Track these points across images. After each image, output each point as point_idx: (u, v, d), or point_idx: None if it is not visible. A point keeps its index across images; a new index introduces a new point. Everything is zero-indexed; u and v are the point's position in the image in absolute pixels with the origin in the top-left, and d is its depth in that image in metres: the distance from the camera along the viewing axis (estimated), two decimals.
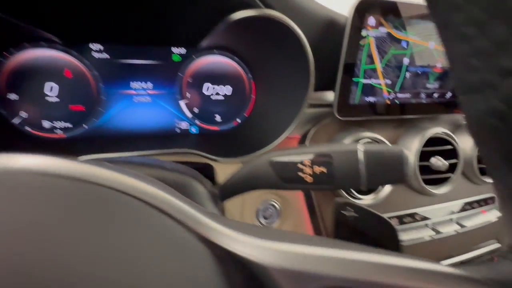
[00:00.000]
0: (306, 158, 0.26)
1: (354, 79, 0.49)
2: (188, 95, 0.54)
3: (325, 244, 0.13)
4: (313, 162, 0.26)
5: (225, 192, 0.31)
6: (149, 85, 0.51)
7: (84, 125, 0.49)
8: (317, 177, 0.25)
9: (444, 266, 0.12)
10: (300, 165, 0.27)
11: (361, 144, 0.25)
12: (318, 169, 0.25)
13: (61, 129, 0.48)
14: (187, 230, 0.11)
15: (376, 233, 0.23)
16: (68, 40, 0.45)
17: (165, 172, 0.24)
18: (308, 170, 0.26)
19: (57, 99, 0.46)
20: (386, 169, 0.24)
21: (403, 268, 0.12)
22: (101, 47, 0.47)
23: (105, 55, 0.47)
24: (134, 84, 0.50)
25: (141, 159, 0.25)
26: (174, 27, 0.47)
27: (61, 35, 0.44)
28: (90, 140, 0.49)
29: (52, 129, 0.47)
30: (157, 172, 0.24)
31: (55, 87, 0.46)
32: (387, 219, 0.24)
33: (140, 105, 0.51)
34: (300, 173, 0.27)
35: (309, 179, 0.26)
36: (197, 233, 0.12)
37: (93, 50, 0.47)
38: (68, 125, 0.48)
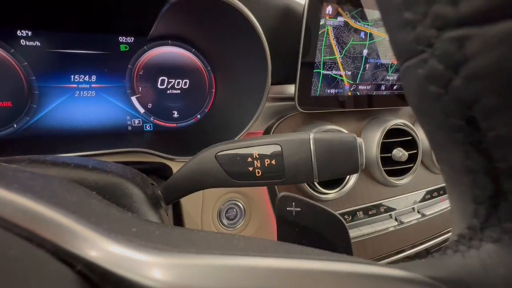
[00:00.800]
0: (254, 150, 0.23)
1: (315, 70, 0.48)
2: (140, 89, 0.49)
3: (226, 249, 0.10)
4: (261, 154, 0.23)
5: (169, 194, 0.27)
6: (93, 77, 0.45)
7: (13, 124, 0.42)
8: (265, 171, 0.23)
9: (382, 267, 0.10)
10: (249, 159, 0.24)
11: (312, 132, 0.23)
12: (267, 161, 0.23)
13: None
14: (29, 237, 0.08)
15: (324, 229, 0.21)
16: None
17: (84, 173, 0.20)
18: (257, 163, 0.24)
19: None
20: (339, 159, 0.22)
21: (332, 274, 0.09)
22: (30, 34, 0.41)
23: (35, 43, 0.41)
24: (75, 77, 0.44)
25: (56, 157, 0.21)
26: (117, 11, 0.42)
27: None
28: (22, 141, 0.42)
29: None
30: (72, 173, 0.20)
31: None
32: (336, 214, 0.22)
33: (83, 100, 0.46)
34: (249, 168, 0.24)
35: (258, 173, 0.23)
36: (48, 241, 0.08)
37: (21, 37, 0.40)
38: None
